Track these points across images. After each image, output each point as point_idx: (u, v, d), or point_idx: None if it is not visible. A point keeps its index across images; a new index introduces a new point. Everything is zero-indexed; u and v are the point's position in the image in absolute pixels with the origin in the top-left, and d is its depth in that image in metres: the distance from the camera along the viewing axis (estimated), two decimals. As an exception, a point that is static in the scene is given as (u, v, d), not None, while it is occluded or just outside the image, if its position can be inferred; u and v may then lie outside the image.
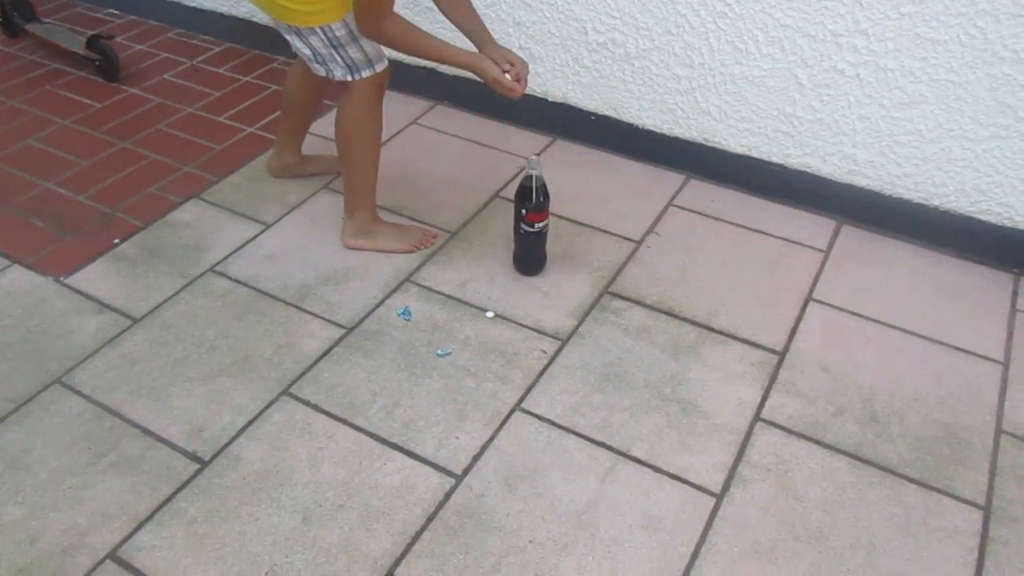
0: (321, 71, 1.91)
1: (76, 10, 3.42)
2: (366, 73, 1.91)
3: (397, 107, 2.81)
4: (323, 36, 1.82)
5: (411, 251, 2.20)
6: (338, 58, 1.86)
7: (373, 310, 2.03)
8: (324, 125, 2.70)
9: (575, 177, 2.50)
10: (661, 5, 2.27)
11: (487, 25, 2.01)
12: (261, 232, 2.27)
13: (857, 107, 2.17)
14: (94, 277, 2.11)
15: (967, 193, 2.15)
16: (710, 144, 2.45)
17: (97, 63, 2.91)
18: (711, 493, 1.62)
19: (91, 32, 2.96)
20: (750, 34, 2.20)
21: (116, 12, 3.38)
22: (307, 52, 1.88)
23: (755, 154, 2.40)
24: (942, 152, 2.12)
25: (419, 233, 2.23)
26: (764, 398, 1.83)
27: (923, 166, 2.17)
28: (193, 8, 3.12)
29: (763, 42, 2.20)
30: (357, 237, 2.20)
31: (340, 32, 1.81)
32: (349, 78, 1.90)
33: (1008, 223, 2.15)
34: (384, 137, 2.62)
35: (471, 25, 1.98)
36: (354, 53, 1.87)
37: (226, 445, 1.69)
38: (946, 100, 2.05)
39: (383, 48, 1.92)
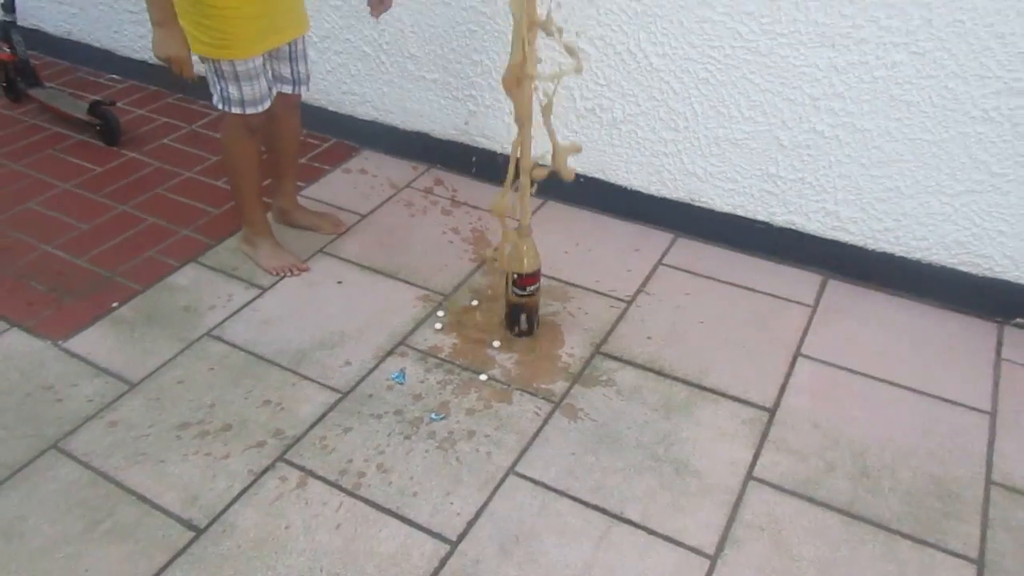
0: (213, 93, 2.12)
1: (79, 75, 3.51)
2: (235, 110, 2.11)
3: (391, 170, 2.88)
4: (212, 65, 2.05)
5: (272, 272, 2.38)
6: (218, 88, 2.10)
7: (368, 374, 2.05)
8: (319, 190, 2.77)
9: (566, 238, 2.55)
10: (645, 73, 2.35)
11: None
12: (258, 296, 2.30)
13: (837, 166, 2.23)
14: (92, 341, 2.14)
15: (947, 246, 2.21)
16: (697, 204, 2.51)
17: (98, 127, 2.98)
18: (705, 555, 1.63)
19: (93, 97, 3.04)
20: (732, 99, 2.28)
21: (117, 77, 3.47)
22: (205, 75, 2.09)
23: (741, 213, 2.45)
24: (921, 207, 2.18)
25: (290, 260, 2.40)
26: (756, 456, 1.84)
27: (904, 221, 2.23)
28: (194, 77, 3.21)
29: (744, 106, 2.27)
30: (244, 243, 2.46)
31: (226, 68, 2.05)
32: (220, 107, 2.13)
33: (989, 274, 2.19)
34: (379, 200, 2.72)
35: None
36: (232, 90, 2.08)
37: (221, 512, 1.70)
38: (922, 157, 2.11)
39: (263, 98, 2.13)
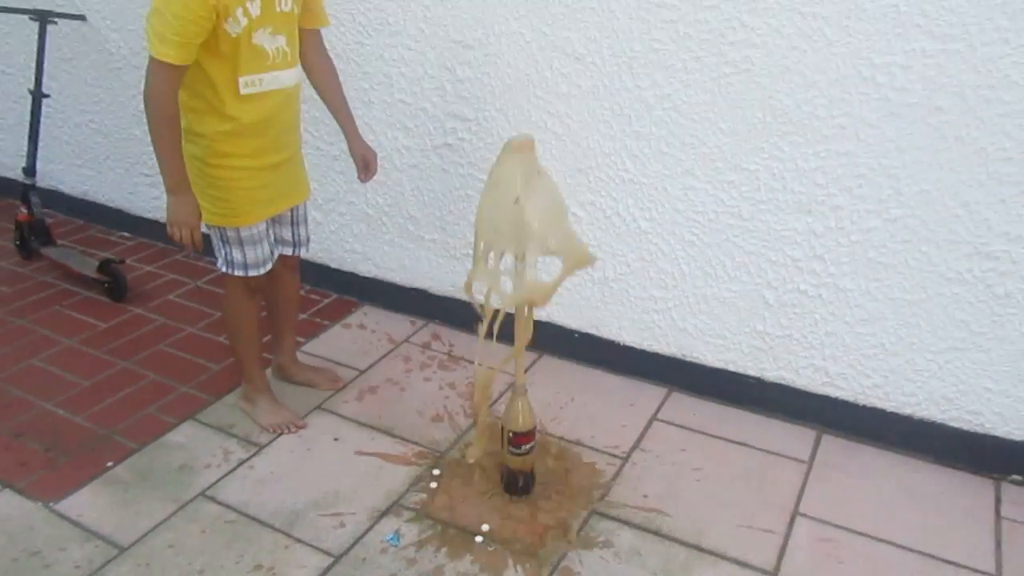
0: (218, 257, 2.22)
1: (91, 232, 3.66)
2: (238, 272, 2.19)
3: (390, 326, 2.95)
4: (217, 232, 2.17)
5: (269, 430, 2.40)
6: (222, 252, 2.19)
7: (362, 536, 2.03)
8: (318, 345, 2.83)
9: (561, 393, 2.59)
10: (634, 235, 2.48)
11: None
12: (254, 454, 2.30)
13: (823, 324, 2.31)
14: (84, 502, 2.12)
15: (936, 402, 2.24)
16: (689, 359, 2.56)
17: (106, 284, 3.07)
18: None
19: (103, 255, 3.15)
20: (718, 260, 2.38)
21: (128, 235, 3.62)
22: (211, 239, 2.18)
23: (732, 368, 2.50)
24: (907, 364, 2.24)
25: (287, 417, 2.43)
26: (758, 621, 1.80)
27: (891, 377, 2.27)
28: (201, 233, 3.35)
29: (730, 267, 2.37)
30: (242, 400, 2.49)
31: (231, 234, 2.15)
32: (224, 269, 2.21)
33: (980, 430, 2.22)
34: (378, 356, 2.77)
35: (339, 113, 2.31)
36: (236, 254, 2.17)
37: None
38: (903, 316, 2.19)
39: (264, 261, 2.22)
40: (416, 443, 2.36)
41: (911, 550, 1.99)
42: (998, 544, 2.01)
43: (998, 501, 2.16)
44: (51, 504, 2.11)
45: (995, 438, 2.21)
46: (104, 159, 3.53)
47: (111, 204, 3.64)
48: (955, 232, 2.05)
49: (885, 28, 1.94)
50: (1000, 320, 2.09)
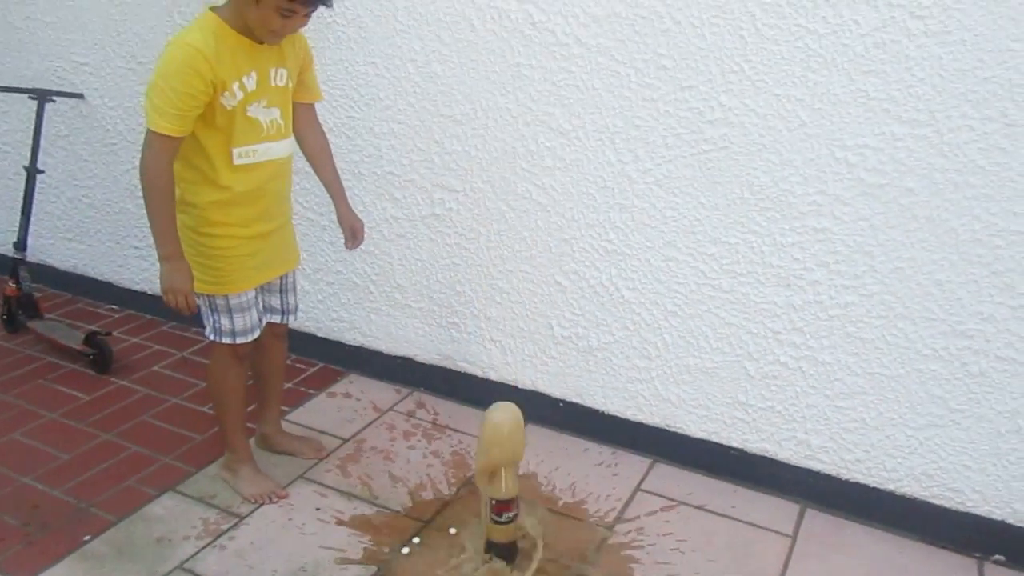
0: (206, 325, 2.23)
1: (78, 306, 3.66)
2: (226, 340, 2.20)
3: (375, 394, 2.95)
4: (207, 300, 2.18)
5: (251, 500, 2.38)
6: (211, 319, 2.20)
7: (341, 609, 2.00)
8: (303, 414, 2.83)
9: (545, 462, 2.58)
10: (617, 305, 2.51)
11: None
12: (235, 525, 2.28)
13: (804, 396, 2.33)
14: (59, 578, 2.08)
15: (918, 478, 2.25)
16: (672, 429, 2.57)
17: (91, 357, 3.06)
18: None
19: (89, 328, 3.15)
20: (700, 331, 2.42)
21: (115, 307, 3.62)
22: (199, 308, 2.18)
23: (715, 439, 2.51)
24: (887, 439, 2.25)
25: (269, 487, 2.41)
26: None
27: (872, 452, 2.29)
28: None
29: (712, 338, 2.41)
30: (224, 470, 2.47)
31: (220, 302, 2.17)
32: (212, 337, 2.22)
33: (961, 508, 2.22)
34: (362, 424, 2.77)
35: (330, 184, 2.35)
36: (224, 321, 2.19)
37: None
38: (882, 392, 2.22)
39: (252, 328, 2.23)
40: (399, 512, 2.34)
41: (896, 628, 1.98)
42: (983, 623, 2.01)
43: (982, 581, 2.16)
44: (25, 580, 2.08)
45: (976, 516, 2.22)
46: (95, 233, 3.56)
47: (100, 277, 3.65)
48: (930, 310, 2.10)
49: (856, 112, 2.03)
50: (976, 398, 2.12)
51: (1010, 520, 2.18)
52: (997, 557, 2.21)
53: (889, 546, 2.26)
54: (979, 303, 2.03)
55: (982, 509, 2.20)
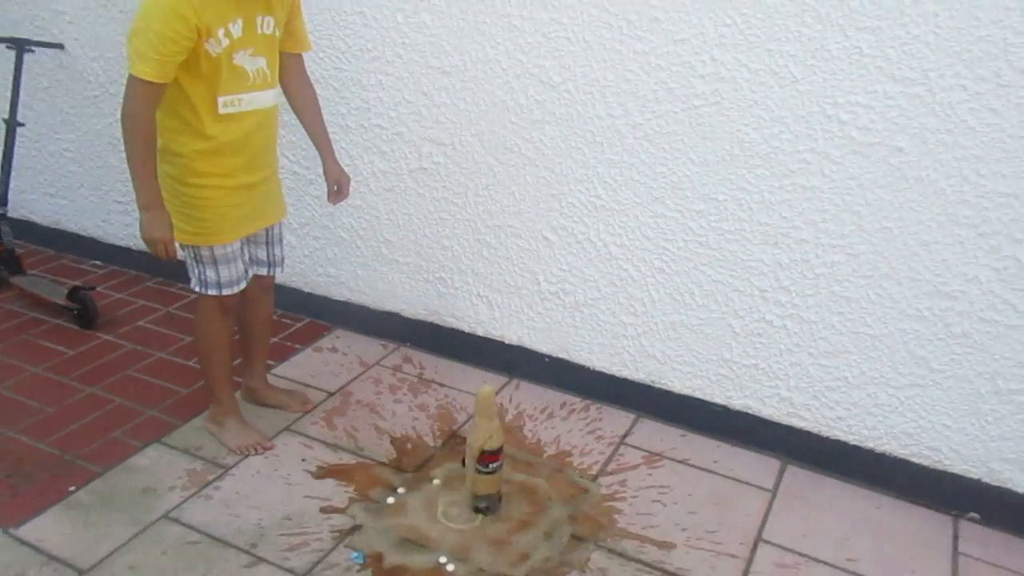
0: (192, 276, 2.21)
1: (62, 262, 3.61)
2: (212, 292, 2.20)
3: (362, 348, 2.95)
4: (192, 251, 2.16)
5: (237, 451, 2.38)
6: (196, 271, 2.19)
7: (327, 554, 2.02)
8: (289, 368, 2.83)
9: (531, 416, 2.60)
10: (605, 261, 2.51)
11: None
12: (220, 475, 2.29)
13: (788, 354, 2.35)
14: (45, 527, 2.09)
15: (897, 437, 2.28)
16: (657, 385, 2.59)
17: (75, 312, 3.04)
18: None
19: (72, 283, 3.12)
20: (686, 288, 2.42)
21: (99, 263, 3.59)
22: (184, 259, 2.19)
23: (699, 395, 2.53)
24: (869, 398, 2.28)
25: (254, 439, 2.41)
26: (719, 650, 1.81)
27: (854, 410, 2.31)
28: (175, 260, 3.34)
29: (698, 295, 2.41)
30: (210, 422, 2.47)
31: (205, 253, 2.15)
32: (198, 289, 2.21)
33: (939, 466, 2.26)
34: (349, 378, 2.77)
35: (317, 137, 2.33)
36: (210, 273, 2.18)
37: None
38: (865, 351, 2.23)
39: (238, 280, 2.22)
40: (384, 463, 2.36)
41: (871, 580, 2.02)
42: (955, 577, 2.05)
43: (956, 538, 2.19)
44: (10, 530, 2.07)
45: (953, 475, 2.25)
46: (78, 187, 3.51)
47: (83, 232, 3.61)
48: (915, 270, 2.10)
49: (849, 69, 2.00)
50: (958, 359, 2.14)
51: (986, 479, 2.21)
52: (972, 515, 2.25)
53: (867, 502, 2.30)
54: (964, 264, 2.04)
55: (959, 468, 2.24)
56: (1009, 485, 2.18)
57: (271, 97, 2.13)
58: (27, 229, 3.67)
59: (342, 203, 2.42)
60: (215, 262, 2.16)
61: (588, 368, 2.70)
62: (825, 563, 2.06)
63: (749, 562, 2.06)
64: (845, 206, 2.12)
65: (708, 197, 2.29)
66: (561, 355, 2.73)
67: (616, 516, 2.20)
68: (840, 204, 2.13)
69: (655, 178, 2.34)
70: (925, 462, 2.27)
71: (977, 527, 2.22)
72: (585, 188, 2.46)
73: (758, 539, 2.14)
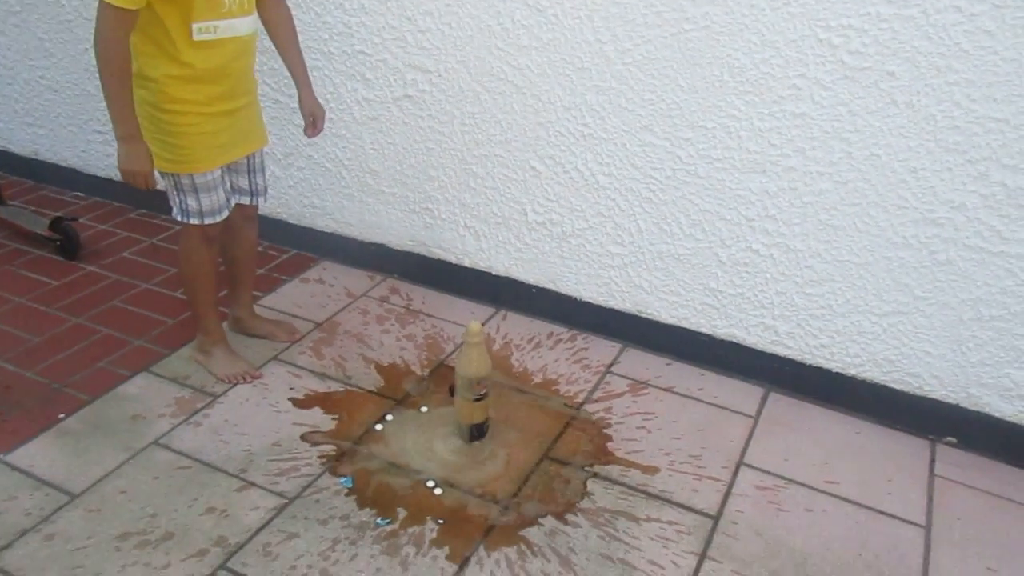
0: (173, 206, 2.18)
1: (43, 193, 3.56)
2: (194, 221, 2.18)
3: (349, 280, 2.95)
4: (172, 179, 2.13)
5: (225, 380, 2.40)
6: (177, 200, 2.16)
7: (316, 479, 2.05)
8: (276, 299, 2.82)
9: (518, 347, 2.62)
10: (593, 190, 2.50)
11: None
12: (208, 403, 2.30)
13: (773, 283, 2.36)
14: (35, 453, 2.10)
15: (879, 364, 2.32)
16: (643, 315, 2.61)
17: (58, 243, 3.01)
18: (649, 666, 1.63)
19: (54, 214, 3.08)
20: (673, 217, 2.42)
21: (81, 195, 3.53)
22: (164, 188, 2.16)
23: (685, 325, 2.55)
24: (852, 325, 2.30)
25: (242, 368, 2.42)
26: (700, 562, 1.86)
27: (837, 338, 2.34)
28: (156, 190, 3.29)
29: (686, 224, 2.41)
30: (197, 352, 2.47)
31: (185, 181, 2.12)
32: (179, 218, 2.19)
33: (919, 392, 2.30)
34: (336, 308, 2.77)
35: (292, 64, 2.29)
36: (191, 201, 2.15)
37: (157, 627, 1.66)
38: (851, 279, 2.25)
39: (220, 209, 2.19)
40: (372, 392, 2.38)
41: (848, 501, 2.07)
42: (930, 499, 2.10)
43: (933, 461, 2.24)
44: (1, 456, 2.09)
45: (932, 400, 2.30)
46: (56, 116, 3.43)
47: (63, 163, 3.54)
48: (903, 198, 2.10)
49: (842, -10, 1.97)
50: (941, 286, 2.15)
51: (964, 404, 2.26)
52: (949, 439, 2.30)
53: (847, 427, 2.34)
54: (952, 191, 2.04)
55: (939, 393, 2.28)
56: (987, 410, 2.23)
57: (248, 24, 2.07)
58: (5, 159, 3.61)
59: (326, 132, 2.38)
60: (195, 190, 2.13)
61: (575, 299, 2.70)
62: (804, 485, 2.11)
63: (730, 485, 2.10)
64: (835, 133, 2.11)
65: (697, 125, 2.26)
66: (548, 286, 2.74)
67: (601, 442, 2.23)
68: (829, 131, 2.11)
69: (644, 105, 2.31)
70: (905, 388, 2.31)
71: (954, 451, 2.28)
72: (573, 116, 2.43)
73: (740, 463, 2.18)
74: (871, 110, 2.05)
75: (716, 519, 1.99)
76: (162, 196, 2.19)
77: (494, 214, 2.70)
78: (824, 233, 2.23)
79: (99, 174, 3.45)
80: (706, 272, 2.44)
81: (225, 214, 2.21)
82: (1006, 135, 1.93)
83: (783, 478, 2.13)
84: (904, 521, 2.02)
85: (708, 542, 1.92)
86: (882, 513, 2.04)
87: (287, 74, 2.33)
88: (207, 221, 2.18)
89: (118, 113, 1.95)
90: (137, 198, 3.38)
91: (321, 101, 2.41)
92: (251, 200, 2.35)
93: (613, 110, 2.35)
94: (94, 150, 3.41)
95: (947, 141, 2.00)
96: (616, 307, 2.64)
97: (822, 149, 2.14)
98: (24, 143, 3.59)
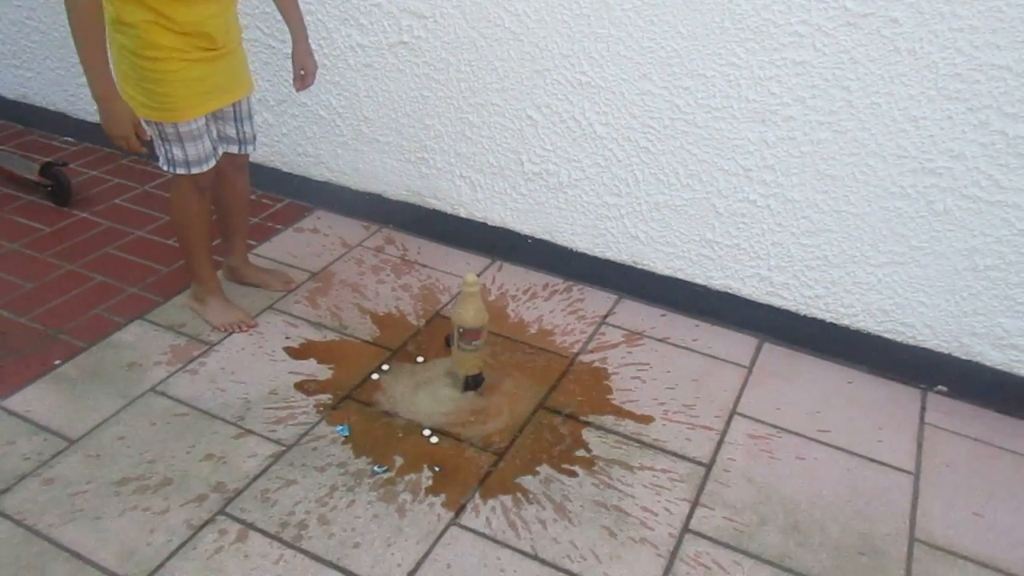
0: (159, 155, 2.16)
1: (32, 137, 3.51)
2: (181, 170, 2.15)
3: (344, 230, 2.93)
4: (156, 128, 2.09)
5: (221, 329, 2.39)
6: (163, 149, 2.13)
7: (313, 427, 2.06)
8: (271, 248, 2.81)
9: (513, 297, 2.62)
10: (590, 140, 2.47)
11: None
12: (205, 351, 2.30)
13: (770, 234, 2.35)
14: (32, 399, 2.11)
15: (873, 314, 2.33)
16: (639, 266, 2.60)
17: (49, 188, 2.97)
18: (642, 606, 1.66)
19: (44, 159, 3.04)
20: (671, 167, 2.40)
21: (71, 140, 3.49)
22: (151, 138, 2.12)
23: (680, 276, 2.55)
24: (848, 276, 2.31)
25: (238, 317, 2.42)
26: (693, 509, 1.89)
27: (832, 288, 2.35)
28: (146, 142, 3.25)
29: (683, 175, 2.39)
30: (193, 300, 2.47)
31: (169, 130, 2.08)
32: (166, 168, 2.16)
33: (912, 341, 2.31)
34: (331, 258, 2.76)
35: (291, 21, 2.27)
36: (176, 151, 2.12)
37: (158, 568, 1.68)
38: (847, 229, 2.24)
39: (207, 158, 2.16)
40: (367, 341, 2.39)
41: (839, 448, 2.10)
42: (919, 447, 2.13)
43: (923, 409, 2.27)
44: (-2, 400, 2.10)
45: (925, 350, 2.31)
46: (43, 59, 3.36)
47: (52, 107, 3.48)
48: (902, 147, 2.09)
49: (846, -67, 1.93)
50: (938, 236, 2.15)
51: (956, 353, 2.28)
52: (940, 387, 2.33)
53: (839, 377, 2.36)
54: (951, 140, 2.03)
55: (931, 343, 2.29)
56: (978, 359, 2.25)
57: None
58: (-7, 105, 3.55)
59: (319, 80, 2.34)
60: (180, 139, 2.10)
61: (571, 250, 2.70)
62: (796, 433, 2.14)
63: (723, 433, 2.13)
64: (835, 81, 2.08)
65: (696, 73, 2.23)
66: (544, 236, 2.73)
67: (596, 392, 2.25)
68: (830, 79, 2.09)
69: (642, 53, 2.27)
70: (898, 338, 2.33)
71: (944, 399, 2.30)
72: (570, 64, 2.39)
73: (733, 412, 2.20)
74: (873, 57, 2.02)
75: (709, 467, 2.02)
76: (150, 143, 2.15)
77: (490, 164, 2.68)
78: (822, 183, 2.22)
79: (89, 119, 3.40)
80: (703, 223, 2.43)
81: (213, 163, 2.18)
82: (1008, 83, 1.91)
83: (775, 427, 2.16)
84: (894, 468, 2.05)
85: (701, 489, 1.95)
86: (872, 460, 2.07)
87: (280, 18, 2.29)
88: (194, 171, 2.15)
89: (92, 70, 1.88)
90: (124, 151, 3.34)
91: (314, 47, 2.37)
92: (239, 149, 2.32)
93: (611, 58, 2.32)
94: (83, 94, 3.35)
95: (948, 89, 1.98)
96: (612, 258, 2.64)
97: (823, 98, 2.11)
98: (11, 86, 3.53)
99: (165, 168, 2.15)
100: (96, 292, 2.54)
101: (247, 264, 2.60)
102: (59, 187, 2.96)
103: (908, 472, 2.04)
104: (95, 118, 3.36)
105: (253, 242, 2.79)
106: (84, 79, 1.90)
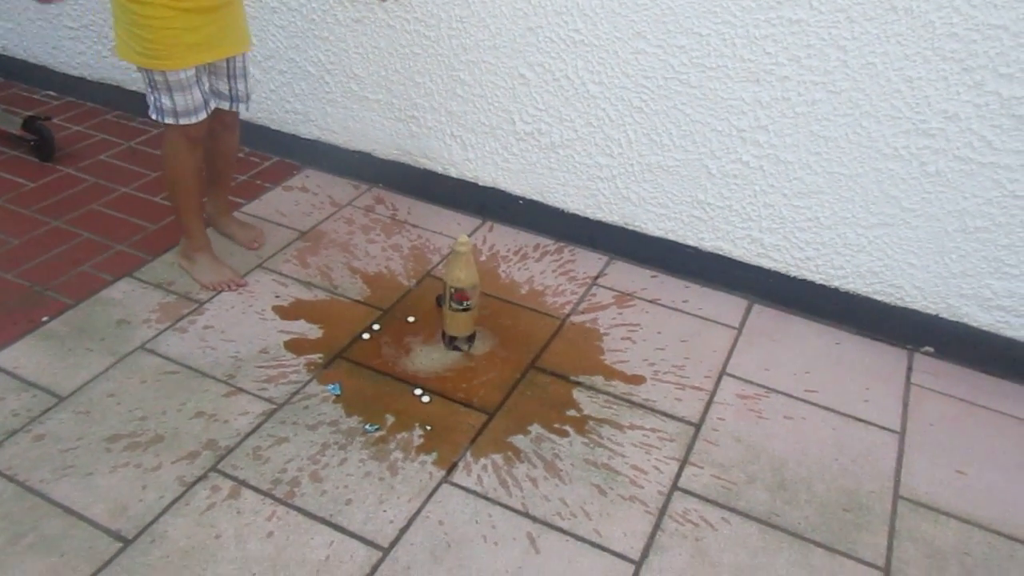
0: (149, 103, 2.15)
1: (13, 91, 3.44)
2: (168, 120, 2.13)
3: (333, 189, 2.90)
4: (145, 75, 2.09)
5: (210, 287, 2.39)
6: (152, 97, 2.12)
7: (304, 386, 2.06)
8: (259, 206, 2.78)
9: (504, 258, 2.61)
10: (582, 100, 2.45)
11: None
12: (193, 309, 2.29)
13: (762, 196, 2.35)
14: (20, 355, 2.09)
15: (863, 275, 2.34)
16: (631, 228, 2.60)
17: (32, 143, 2.92)
18: (631, 560, 1.69)
19: (27, 113, 2.99)
20: (664, 128, 2.38)
21: (54, 94, 3.42)
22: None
23: (672, 237, 2.55)
24: (838, 237, 2.31)
25: (227, 275, 2.41)
26: (682, 467, 1.92)
27: (823, 250, 2.35)
28: (132, 91, 3.19)
29: (676, 135, 2.38)
30: (181, 258, 2.46)
31: (158, 78, 2.06)
32: (154, 117, 2.14)
33: (900, 303, 2.33)
34: (320, 217, 2.74)
35: None
36: (165, 100, 2.09)
37: (150, 523, 1.69)
38: (839, 191, 2.24)
39: (196, 110, 2.14)
40: (358, 300, 2.38)
41: (826, 408, 2.12)
42: (905, 406, 2.16)
43: (910, 369, 2.29)
44: (-16, 356, 2.09)
45: (913, 311, 2.33)
46: (23, 10, 3.27)
47: (33, 60, 3.40)
48: (896, 108, 2.08)
49: None
50: (929, 198, 2.16)
51: (944, 315, 2.30)
52: (927, 348, 2.35)
53: (828, 338, 2.38)
54: (946, 101, 2.02)
55: (919, 304, 2.31)
56: (966, 320, 2.27)
57: None
58: (-29, 57, 3.47)
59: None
60: (169, 88, 2.06)
61: (562, 211, 2.69)
62: (784, 393, 2.16)
63: (712, 393, 2.14)
64: (831, 40, 2.06)
65: (691, 31, 2.21)
66: (535, 197, 2.71)
67: (587, 353, 2.26)
68: (826, 38, 2.07)
69: (637, 10, 2.24)
70: (887, 299, 2.34)
71: (931, 360, 2.33)
72: (564, 21, 2.35)
73: (722, 372, 2.22)
74: (869, 16, 2.00)
75: (698, 426, 2.04)
76: (139, 98, 2.12)
77: (481, 123, 2.65)
78: (815, 144, 2.21)
79: (72, 72, 3.33)
80: (695, 184, 2.43)
81: (203, 116, 2.15)
82: (1004, 43, 1.90)
83: (764, 387, 2.18)
84: (879, 427, 2.08)
85: (690, 448, 1.97)
86: (858, 420, 2.10)
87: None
88: (182, 121, 2.12)
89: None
90: (112, 100, 3.28)
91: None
92: (230, 106, 2.28)
93: (605, 15, 2.28)
94: (65, 47, 3.28)
95: (944, 49, 1.97)
96: (603, 219, 2.63)
97: (818, 57, 2.10)
98: (-9, 41, 3.46)
99: (154, 116, 2.12)
100: (83, 249, 2.51)
101: (223, 213, 2.57)
102: (42, 142, 2.91)
103: (893, 431, 2.07)
104: (77, 71, 3.31)
105: (242, 200, 2.76)
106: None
